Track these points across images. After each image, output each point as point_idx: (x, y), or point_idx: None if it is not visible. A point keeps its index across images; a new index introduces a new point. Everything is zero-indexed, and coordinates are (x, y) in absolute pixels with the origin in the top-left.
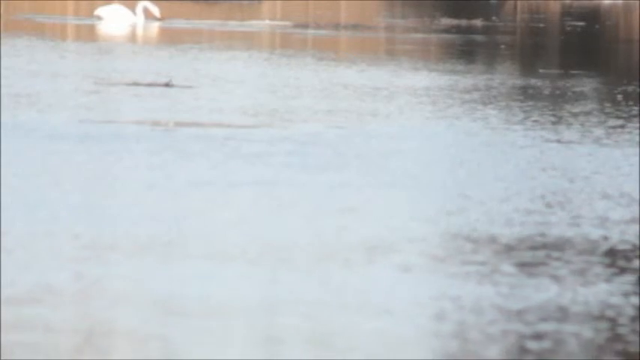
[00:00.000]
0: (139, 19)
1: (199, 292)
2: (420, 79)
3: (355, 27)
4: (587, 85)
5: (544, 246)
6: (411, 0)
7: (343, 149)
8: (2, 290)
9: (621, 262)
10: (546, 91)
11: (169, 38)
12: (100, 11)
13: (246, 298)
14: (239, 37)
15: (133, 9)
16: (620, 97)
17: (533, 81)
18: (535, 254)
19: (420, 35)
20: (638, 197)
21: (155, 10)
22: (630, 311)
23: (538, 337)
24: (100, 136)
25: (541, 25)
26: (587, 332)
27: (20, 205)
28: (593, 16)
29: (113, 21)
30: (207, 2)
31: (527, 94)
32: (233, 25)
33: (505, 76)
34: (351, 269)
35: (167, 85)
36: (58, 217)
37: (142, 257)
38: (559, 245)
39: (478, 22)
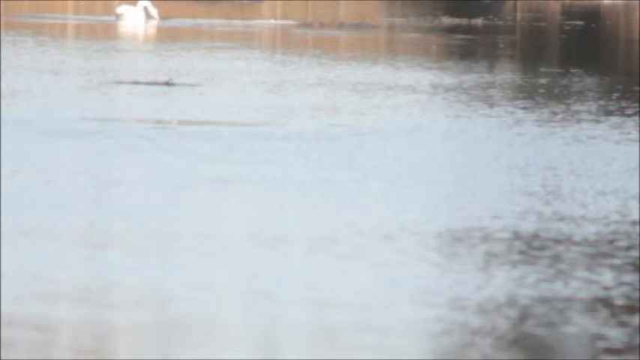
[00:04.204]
0: (140, 18)
1: (195, 288)
2: (421, 78)
3: (358, 26)
4: (587, 83)
5: (540, 242)
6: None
7: (344, 146)
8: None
9: (619, 258)
10: (547, 89)
11: (171, 37)
12: (120, 10)
13: (230, 288)
14: (241, 36)
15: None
16: (619, 95)
17: (533, 79)
18: (530, 249)
19: (421, 34)
20: (637, 194)
21: (153, 11)
22: (623, 304)
23: (529, 333)
24: (102, 134)
25: (541, 24)
26: (581, 327)
27: (20, 201)
28: (593, 15)
29: (130, 20)
30: (208, 2)
31: (527, 92)
32: (237, 24)
33: (505, 75)
34: (344, 261)
35: (167, 83)
36: (56, 212)
37: (138, 251)
38: (555, 241)
39: (478, 22)
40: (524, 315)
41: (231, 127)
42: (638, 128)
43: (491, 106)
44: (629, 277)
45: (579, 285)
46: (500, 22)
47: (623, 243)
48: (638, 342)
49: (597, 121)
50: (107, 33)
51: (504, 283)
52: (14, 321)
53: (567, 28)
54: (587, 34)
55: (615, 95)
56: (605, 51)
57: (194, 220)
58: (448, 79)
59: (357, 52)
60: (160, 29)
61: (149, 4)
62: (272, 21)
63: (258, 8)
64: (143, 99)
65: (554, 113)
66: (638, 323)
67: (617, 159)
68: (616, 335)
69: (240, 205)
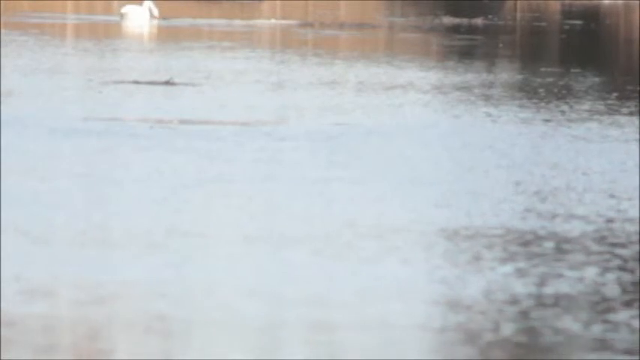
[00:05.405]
0: (145, 18)
1: (194, 286)
2: (422, 77)
3: (358, 26)
4: (587, 83)
5: (538, 240)
6: None
7: (345, 146)
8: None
9: (618, 257)
10: (547, 89)
11: (172, 37)
12: (125, 9)
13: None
14: (241, 36)
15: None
16: (619, 94)
17: (533, 79)
18: (527, 248)
19: (421, 34)
20: (638, 193)
21: (155, 10)
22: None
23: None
24: (103, 133)
25: (541, 24)
26: (574, 325)
27: (19, 200)
28: (593, 15)
29: (134, 19)
30: (208, 2)
31: (527, 91)
32: (237, 24)
33: (505, 75)
34: (334, 258)
35: (168, 83)
36: (55, 211)
37: (138, 250)
38: (553, 240)
39: (478, 22)
40: (518, 314)
41: (231, 126)
42: (638, 128)
43: (491, 105)
44: (626, 276)
45: (572, 283)
46: (501, 22)
47: (622, 241)
48: (637, 340)
49: (597, 121)
50: (110, 33)
51: (499, 281)
52: (13, 320)
53: (567, 28)
54: (587, 34)
55: (615, 95)
56: (605, 51)
57: (194, 218)
58: (448, 79)
59: (358, 51)
60: (161, 29)
61: (152, 4)
62: (272, 21)
63: (258, 8)
64: (144, 98)
65: (554, 113)
66: (636, 321)
67: (617, 158)
68: (614, 334)
69: (241, 203)
